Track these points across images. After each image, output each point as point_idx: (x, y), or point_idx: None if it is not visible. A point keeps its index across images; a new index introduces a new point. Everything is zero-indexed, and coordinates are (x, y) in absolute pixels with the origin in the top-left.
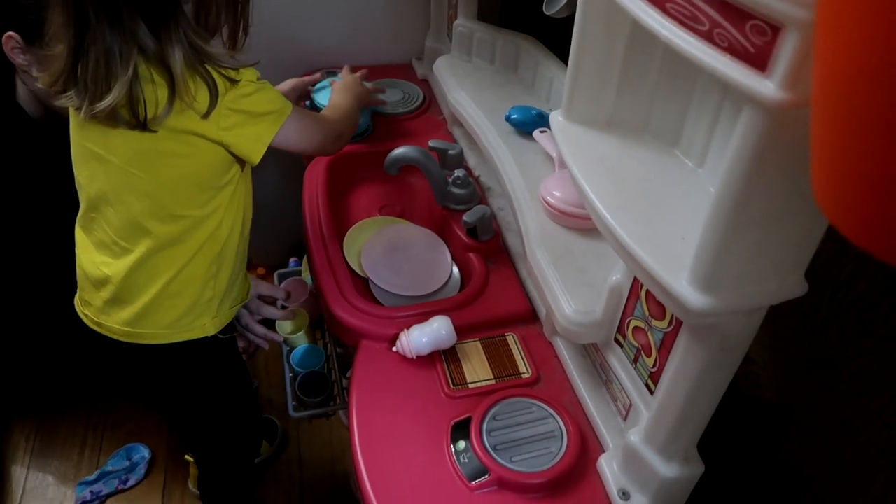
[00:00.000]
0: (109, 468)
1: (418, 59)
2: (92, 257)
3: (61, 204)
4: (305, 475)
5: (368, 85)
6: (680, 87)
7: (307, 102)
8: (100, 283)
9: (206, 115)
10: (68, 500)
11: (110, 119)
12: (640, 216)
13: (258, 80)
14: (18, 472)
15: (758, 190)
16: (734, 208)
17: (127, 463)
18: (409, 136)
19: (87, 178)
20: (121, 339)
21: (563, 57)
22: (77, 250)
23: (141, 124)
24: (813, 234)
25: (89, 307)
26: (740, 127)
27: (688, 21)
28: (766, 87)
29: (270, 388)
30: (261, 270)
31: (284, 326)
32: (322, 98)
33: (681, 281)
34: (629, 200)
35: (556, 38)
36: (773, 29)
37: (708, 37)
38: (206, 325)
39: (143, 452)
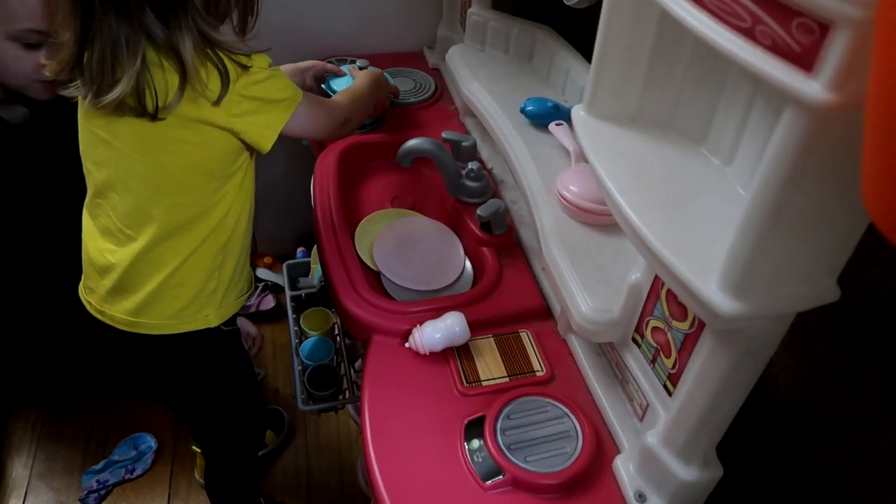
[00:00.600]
0: (116, 457)
1: (430, 48)
2: (97, 244)
3: (69, 188)
4: (312, 466)
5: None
6: (709, 82)
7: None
8: (104, 270)
9: (217, 102)
10: (74, 489)
11: (117, 109)
12: (667, 216)
13: (270, 66)
14: (25, 460)
15: (797, 193)
16: (771, 211)
17: (133, 452)
18: (420, 127)
19: (93, 163)
20: (123, 328)
21: (579, 47)
22: (83, 236)
23: (148, 113)
24: (850, 238)
25: (93, 294)
26: (781, 128)
27: (727, 17)
28: (812, 87)
29: (277, 378)
30: (268, 259)
31: (308, 323)
32: (335, 85)
33: (710, 285)
34: (655, 200)
35: (572, 28)
36: (821, 27)
37: (749, 34)
38: (210, 317)
39: (150, 442)
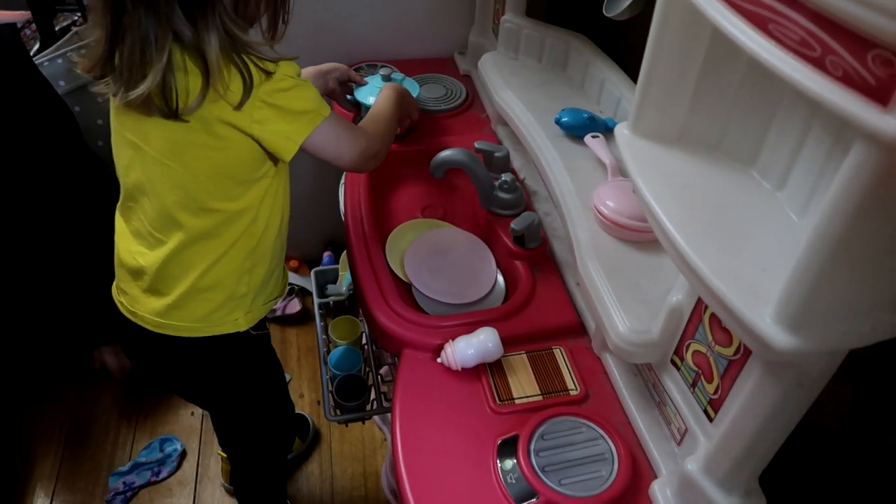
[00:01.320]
0: (142, 459)
1: (461, 54)
2: (129, 246)
3: (103, 188)
4: (336, 472)
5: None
6: (762, 103)
7: (348, 96)
8: (136, 272)
9: (238, 107)
10: (101, 490)
11: (145, 107)
12: (717, 244)
13: (297, 76)
14: (53, 460)
15: (865, 230)
16: (834, 247)
17: (160, 454)
18: (451, 134)
19: (124, 167)
20: (153, 329)
21: (615, 57)
22: (116, 238)
23: (173, 113)
24: None
25: (125, 295)
26: (850, 162)
27: (795, 45)
28: (888, 123)
29: (302, 382)
30: (293, 263)
31: (336, 332)
32: (363, 95)
33: (764, 317)
34: (703, 225)
35: (607, 36)
36: None
37: (819, 64)
38: (239, 321)
39: (176, 444)
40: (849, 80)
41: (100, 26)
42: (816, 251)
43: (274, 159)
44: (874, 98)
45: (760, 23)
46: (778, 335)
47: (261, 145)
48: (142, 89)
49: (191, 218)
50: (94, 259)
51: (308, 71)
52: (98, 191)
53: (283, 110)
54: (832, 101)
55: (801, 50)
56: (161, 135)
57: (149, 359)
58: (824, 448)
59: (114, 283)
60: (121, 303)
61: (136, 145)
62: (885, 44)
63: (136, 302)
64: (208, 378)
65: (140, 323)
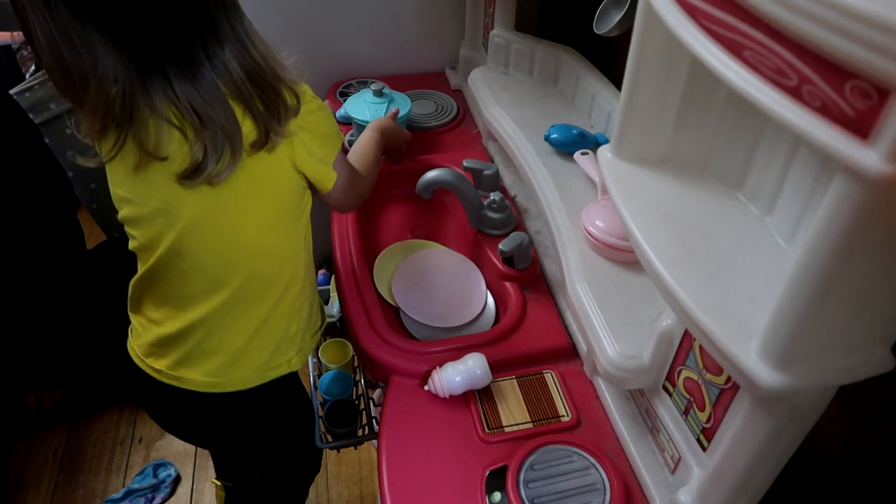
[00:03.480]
0: (135, 486)
1: (452, 69)
2: (158, 314)
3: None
4: (332, 494)
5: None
6: (748, 125)
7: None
8: (174, 338)
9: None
10: None
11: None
12: (703, 273)
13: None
14: (46, 486)
15: (849, 265)
16: (819, 283)
17: (153, 480)
18: (442, 151)
19: (151, 238)
20: (202, 389)
21: (605, 71)
22: (138, 308)
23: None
24: None
25: (161, 361)
26: (831, 196)
27: (770, 73)
28: (868, 157)
29: None
30: None
31: (326, 356)
32: (353, 109)
33: (749, 353)
34: (688, 253)
35: (597, 51)
36: (880, 93)
37: (795, 93)
38: (293, 360)
39: (170, 470)
40: (826, 111)
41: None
42: (801, 286)
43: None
44: (853, 131)
45: (735, 49)
46: (763, 372)
47: (301, 173)
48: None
49: (240, 270)
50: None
51: None
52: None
53: (316, 133)
54: (809, 132)
55: (777, 78)
56: (196, 197)
57: (191, 421)
58: (824, 475)
59: (138, 353)
60: (158, 371)
61: (166, 212)
62: (862, 74)
63: (179, 366)
64: (258, 425)
65: (188, 387)
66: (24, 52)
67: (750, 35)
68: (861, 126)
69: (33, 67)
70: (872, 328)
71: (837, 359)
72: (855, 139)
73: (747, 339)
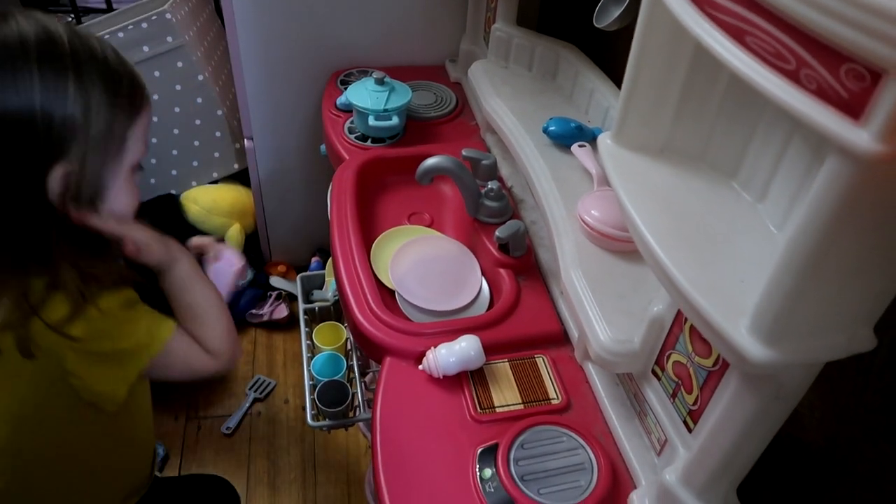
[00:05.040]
0: None
1: (452, 62)
2: None
3: None
4: (319, 479)
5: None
6: (744, 116)
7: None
8: None
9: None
10: None
11: None
12: (696, 255)
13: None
14: None
15: (838, 243)
16: (809, 260)
17: None
18: (440, 141)
19: None
20: None
21: (604, 67)
22: None
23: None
24: (890, 288)
25: None
26: (823, 176)
27: (770, 57)
28: (860, 136)
29: (287, 388)
30: (281, 268)
31: (319, 338)
32: (354, 96)
33: (740, 329)
34: (684, 237)
35: (597, 47)
36: (872, 75)
37: (793, 77)
38: None
39: (158, 449)
40: (822, 93)
41: None
42: (790, 264)
43: None
44: (847, 112)
45: (738, 35)
46: (753, 347)
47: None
48: None
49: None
50: None
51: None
52: None
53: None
54: (806, 114)
55: (776, 62)
56: None
57: None
58: (804, 462)
59: None
60: None
61: None
62: (857, 58)
63: None
64: None
65: None
66: None
67: (752, 21)
68: (854, 107)
69: None
70: (857, 307)
71: (823, 336)
72: (848, 120)
73: (738, 317)
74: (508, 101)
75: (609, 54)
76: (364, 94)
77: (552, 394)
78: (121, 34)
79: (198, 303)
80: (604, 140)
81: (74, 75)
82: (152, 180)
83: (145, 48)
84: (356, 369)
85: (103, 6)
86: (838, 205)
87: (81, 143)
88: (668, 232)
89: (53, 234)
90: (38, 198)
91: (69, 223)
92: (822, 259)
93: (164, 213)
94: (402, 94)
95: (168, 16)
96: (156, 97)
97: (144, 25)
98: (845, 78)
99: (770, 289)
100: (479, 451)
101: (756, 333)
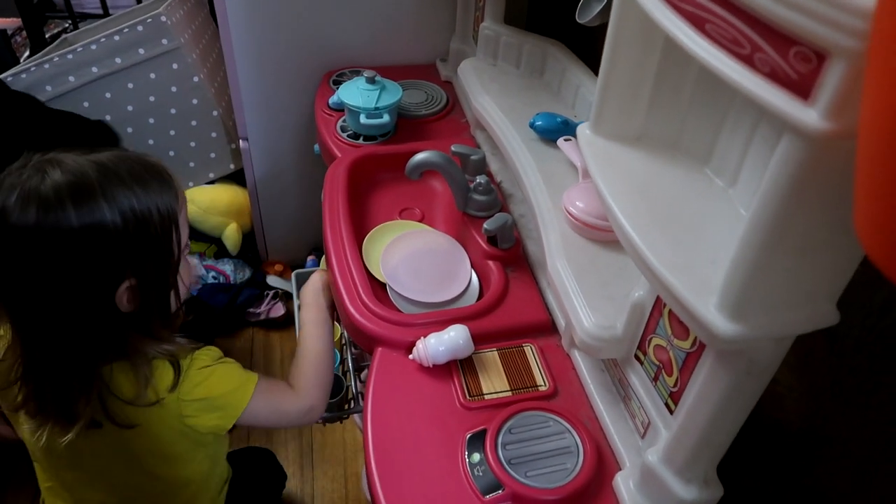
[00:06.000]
0: None
1: (443, 61)
2: None
3: None
4: (316, 474)
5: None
6: (715, 104)
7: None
8: None
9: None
10: None
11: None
12: (670, 237)
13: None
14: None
15: (794, 219)
16: (768, 236)
17: None
18: (431, 139)
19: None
20: None
21: (591, 64)
22: None
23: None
24: (848, 264)
25: None
26: (778, 154)
27: (728, 43)
28: (809, 115)
29: None
30: (278, 267)
31: None
32: (346, 95)
33: (708, 306)
34: (658, 220)
35: (583, 44)
36: (818, 56)
37: (748, 61)
38: None
39: None
40: (774, 75)
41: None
42: (752, 240)
43: None
44: (797, 92)
45: (698, 23)
46: (721, 322)
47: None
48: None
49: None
50: None
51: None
52: None
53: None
54: (760, 96)
55: (733, 48)
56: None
57: None
58: (784, 442)
59: None
60: None
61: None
62: (803, 41)
63: None
64: None
65: None
66: (18, 39)
67: (710, 9)
68: (803, 88)
69: (27, 52)
70: (818, 282)
71: (787, 311)
72: (798, 100)
73: (708, 295)
74: (496, 98)
75: (595, 50)
76: (356, 93)
77: (540, 381)
78: (116, 37)
79: (304, 346)
80: (583, 130)
81: (106, 202)
82: None
83: (141, 50)
84: (350, 363)
85: (100, 11)
86: (793, 182)
87: (134, 257)
88: (643, 216)
89: (131, 334)
90: (111, 313)
91: (141, 321)
92: (780, 235)
93: None
94: (393, 93)
95: (163, 18)
96: (152, 99)
97: (140, 28)
98: (794, 60)
99: (734, 265)
100: (468, 436)
101: (723, 310)
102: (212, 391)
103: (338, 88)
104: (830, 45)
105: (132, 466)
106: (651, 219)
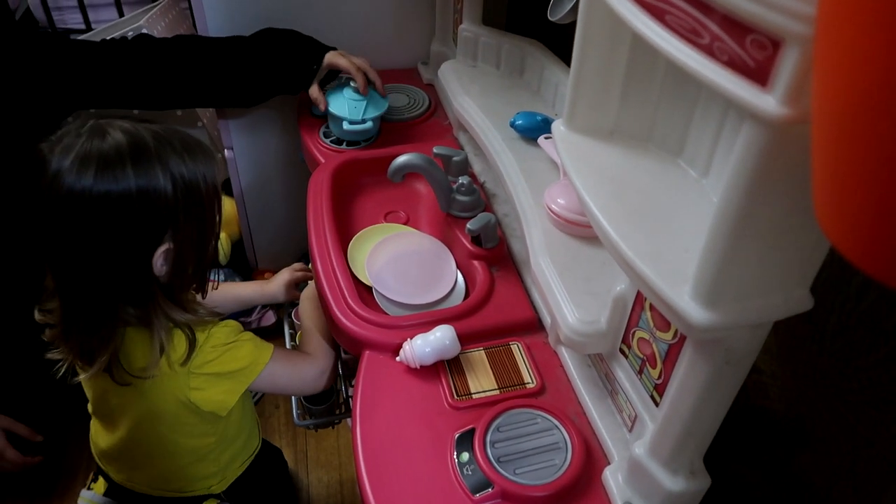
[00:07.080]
0: None
1: (424, 64)
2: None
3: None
4: (312, 479)
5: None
6: (684, 96)
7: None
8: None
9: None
10: None
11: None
12: (644, 228)
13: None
14: None
15: (760, 204)
16: (736, 222)
17: None
18: (414, 142)
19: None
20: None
21: (569, 62)
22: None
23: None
24: (818, 249)
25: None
26: (741, 141)
27: (688, 34)
28: (767, 102)
29: (278, 395)
30: (268, 275)
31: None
32: (335, 107)
33: (683, 295)
34: (632, 212)
35: (560, 42)
36: (773, 44)
37: (708, 50)
38: (213, 487)
39: None
40: (733, 63)
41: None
42: (720, 229)
43: None
44: (755, 79)
45: (659, 14)
46: (695, 311)
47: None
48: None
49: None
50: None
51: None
52: None
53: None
54: (720, 84)
55: (692, 38)
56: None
57: None
58: (770, 430)
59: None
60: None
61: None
62: (759, 28)
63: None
64: None
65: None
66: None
67: (669, 0)
68: (760, 75)
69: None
70: (789, 269)
71: (759, 297)
72: (756, 87)
73: (682, 284)
74: (477, 99)
75: (571, 48)
76: (342, 104)
77: (527, 378)
78: None
79: (308, 324)
80: (557, 126)
81: (161, 166)
82: None
83: None
84: (340, 369)
85: (83, 27)
86: (756, 168)
87: (177, 222)
88: (617, 208)
89: (158, 297)
90: (144, 273)
91: (170, 286)
92: (748, 222)
93: None
94: (380, 104)
95: (145, 31)
96: (135, 112)
97: None
98: (751, 48)
99: (705, 254)
100: (457, 436)
101: (697, 298)
102: (223, 368)
103: (322, 93)
104: (784, 31)
105: (137, 418)
106: (626, 211)
